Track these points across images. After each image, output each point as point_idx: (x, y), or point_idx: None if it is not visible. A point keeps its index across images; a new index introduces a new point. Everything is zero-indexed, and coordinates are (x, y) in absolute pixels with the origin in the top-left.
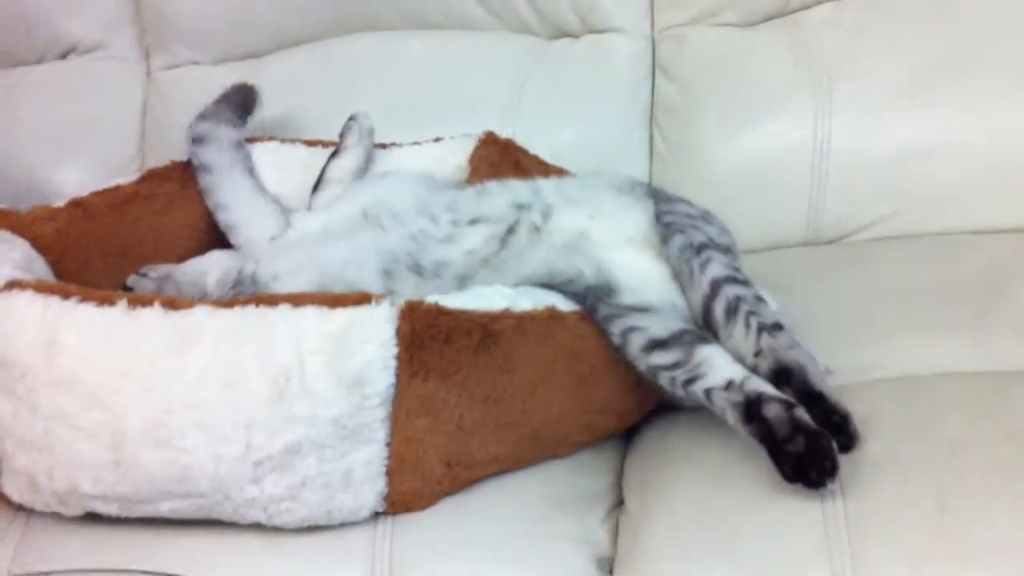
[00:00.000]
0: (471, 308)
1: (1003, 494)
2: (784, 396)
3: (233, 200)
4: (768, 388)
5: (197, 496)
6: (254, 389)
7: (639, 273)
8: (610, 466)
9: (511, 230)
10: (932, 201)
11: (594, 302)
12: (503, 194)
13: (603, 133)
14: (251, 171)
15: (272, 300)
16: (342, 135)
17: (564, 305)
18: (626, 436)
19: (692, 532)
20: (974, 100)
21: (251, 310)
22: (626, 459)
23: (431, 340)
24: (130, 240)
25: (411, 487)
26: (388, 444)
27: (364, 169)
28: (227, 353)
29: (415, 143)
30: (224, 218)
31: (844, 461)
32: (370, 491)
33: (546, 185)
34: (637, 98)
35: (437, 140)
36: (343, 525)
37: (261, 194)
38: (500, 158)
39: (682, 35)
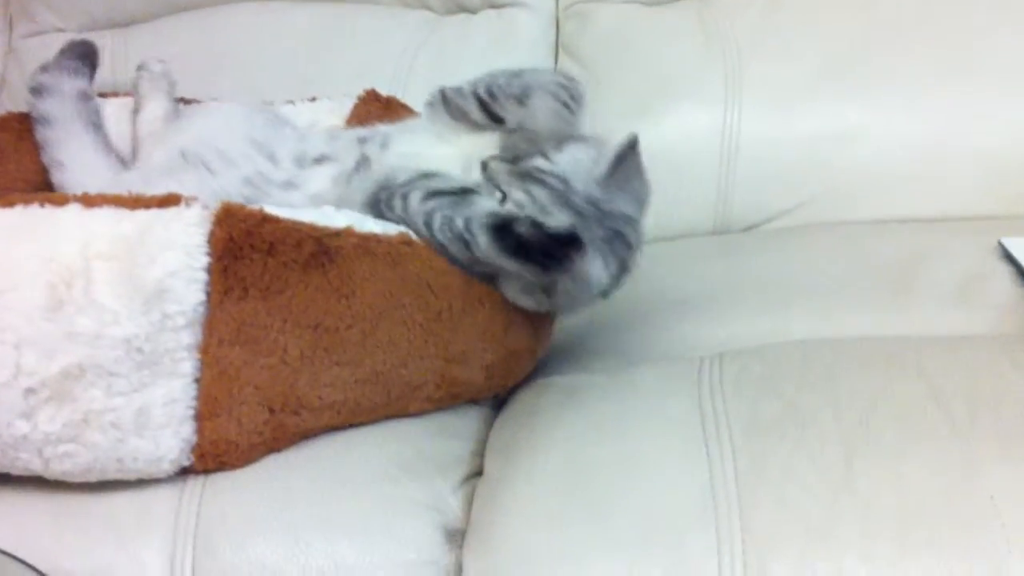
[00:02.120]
0: (306, 220)
1: (920, 454)
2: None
3: (70, 158)
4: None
5: None
6: (26, 296)
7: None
8: (472, 433)
9: (356, 168)
10: (845, 190)
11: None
12: (351, 134)
13: None
14: (96, 126)
15: (61, 199)
16: (135, 88)
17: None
18: (495, 408)
19: (557, 495)
20: (888, 86)
21: (35, 209)
22: (492, 428)
23: (251, 250)
24: None
25: (225, 436)
26: (196, 380)
27: (175, 116)
28: None
29: (289, 102)
30: (59, 178)
31: (737, 420)
32: (173, 438)
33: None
34: None
35: (313, 100)
36: (143, 484)
37: (104, 153)
38: (382, 115)
39: (586, 12)
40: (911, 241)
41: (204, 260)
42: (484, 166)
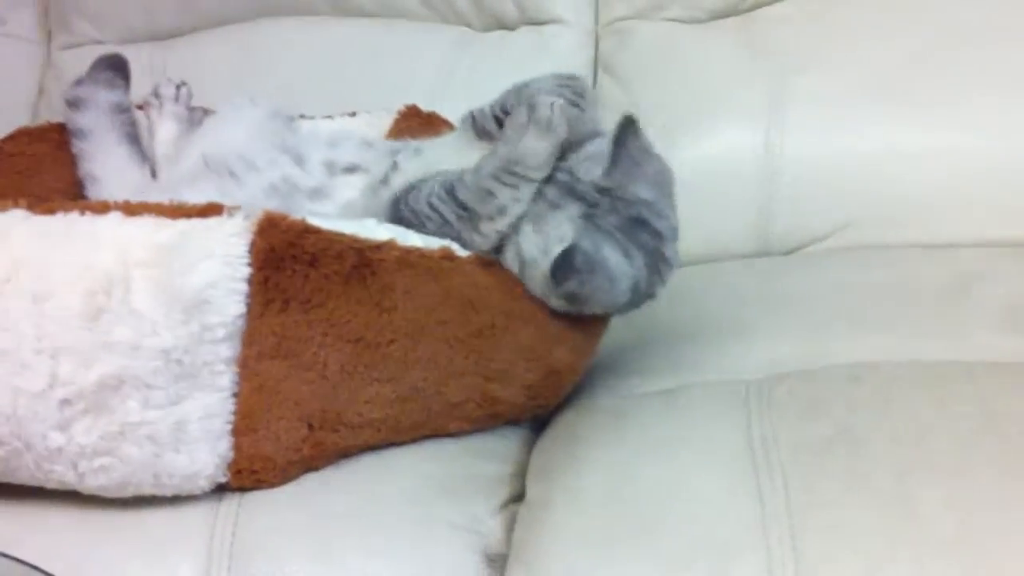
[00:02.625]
0: (347, 232)
1: (978, 480)
2: None
3: (103, 171)
4: None
5: None
6: (65, 304)
7: None
8: (512, 455)
9: (385, 178)
10: (892, 213)
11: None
12: (385, 145)
13: None
14: (131, 137)
15: (102, 207)
16: (146, 114)
17: (460, 251)
18: (535, 430)
19: (603, 520)
20: (939, 105)
21: (75, 216)
22: (533, 451)
23: (293, 261)
24: None
25: (263, 452)
26: (234, 395)
27: (188, 136)
28: (35, 258)
29: (327, 116)
30: (93, 192)
31: (787, 443)
32: (209, 453)
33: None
34: None
35: (352, 115)
36: (178, 501)
37: (138, 166)
38: (422, 131)
39: (625, 29)
40: (960, 264)
41: (245, 271)
42: None
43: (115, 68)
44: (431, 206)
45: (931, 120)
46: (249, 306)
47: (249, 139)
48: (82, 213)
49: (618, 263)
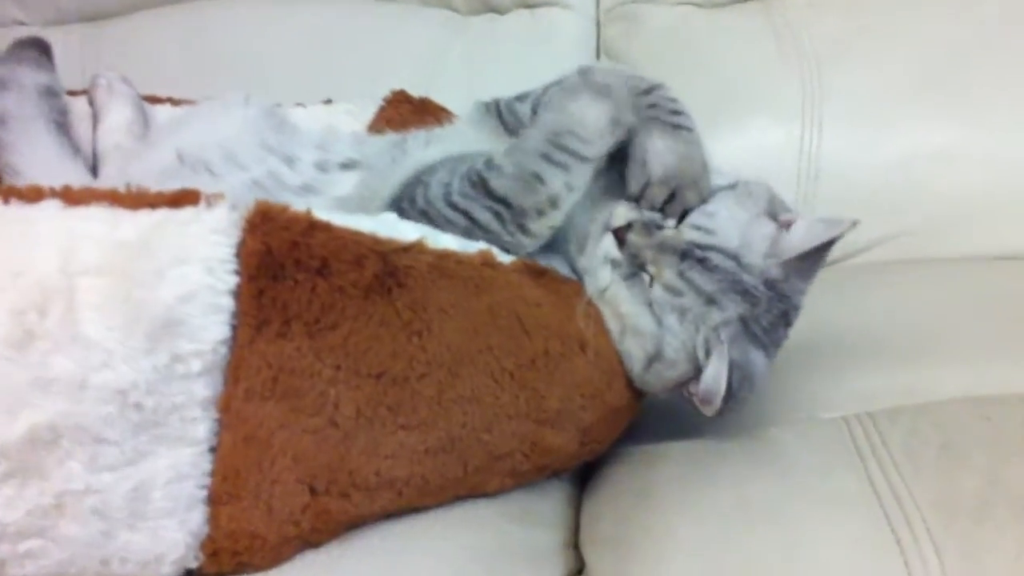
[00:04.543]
0: (366, 230)
1: None
2: None
3: (27, 164)
4: None
5: None
6: None
7: None
8: (559, 518)
9: (386, 174)
10: (941, 220)
11: None
12: (384, 139)
13: None
14: (60, 126)
15: (34, 193)
16: (90, 99)
17: (501, 255)
18: (576, 480)
19: None
20: (991, 99)
21: None
22: (583, 509)
23: (296, 268)
24: None
25: (248, 526)
26: (212, 449)
27: (142, 124)
28: None
29: (299, 105)
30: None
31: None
32: (177, 530)
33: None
34: None
35: (327, 102)
36: None
37: (70, 158)
38: (415, 119)
39: (633, 14)
40: None
41: (231, 281)
42: (619, 239)
43: (40, 49)
44: (453, 205)
45: (982, 116)
46: (236, 329)
47: (233, 135)
48: (5, 201)
49: (762, 367)
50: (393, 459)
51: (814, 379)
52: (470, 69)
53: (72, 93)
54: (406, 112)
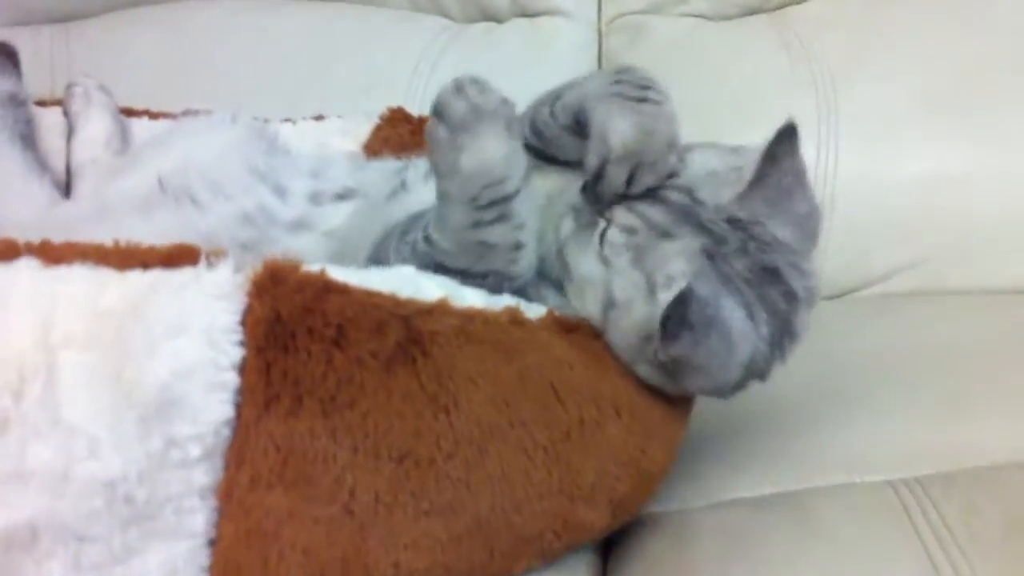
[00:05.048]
0: (384, 290)
1: None
2: None
3: None
4: None
5: None
6: None
7: None
8: None
9: (388, 198)
10: (965, 247)
11: None
12: (385, 165)
13: None
14: (26, 139)
15: (10, 251)
16: (65, 108)
17: (529, 309)
18: (599, 548)
19: None
20: (1019, 117)
21: None
22: None
23: (309, 338)
24: None
25: None
26: (211, 542)
27: (120, 138)
28: None
29: (287, 120)
30: None
31: None
32: None
33: None
34: None
35: (319, 118)
36: None
37: (36, 175)
38: (414, 141)
39: (636, 25)
40: None
41: (235, 353)
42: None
43: (3, 53)
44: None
45: (1010, 136)
46: (240, 408)
47: (219, 160)
48: None
49: (741, 326)
50: (414, 549)
51: (848, 432)
52: None
53: (41, 103)
54: (405, 133)
